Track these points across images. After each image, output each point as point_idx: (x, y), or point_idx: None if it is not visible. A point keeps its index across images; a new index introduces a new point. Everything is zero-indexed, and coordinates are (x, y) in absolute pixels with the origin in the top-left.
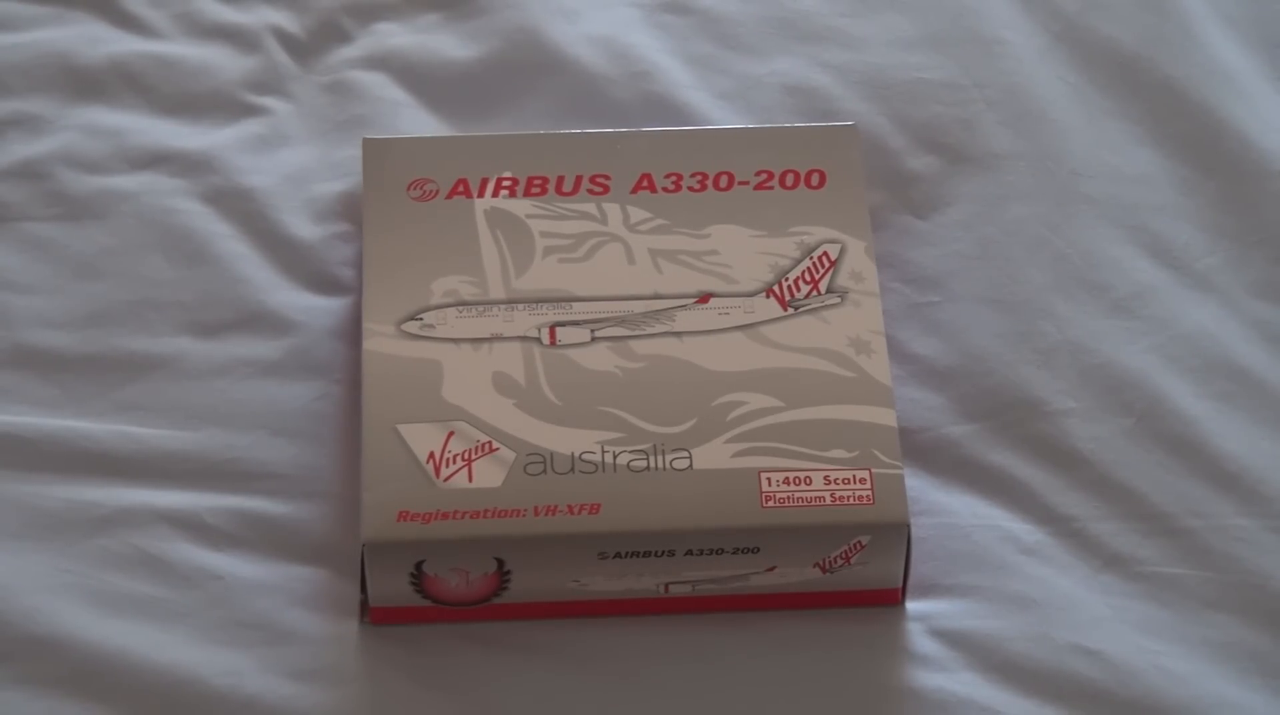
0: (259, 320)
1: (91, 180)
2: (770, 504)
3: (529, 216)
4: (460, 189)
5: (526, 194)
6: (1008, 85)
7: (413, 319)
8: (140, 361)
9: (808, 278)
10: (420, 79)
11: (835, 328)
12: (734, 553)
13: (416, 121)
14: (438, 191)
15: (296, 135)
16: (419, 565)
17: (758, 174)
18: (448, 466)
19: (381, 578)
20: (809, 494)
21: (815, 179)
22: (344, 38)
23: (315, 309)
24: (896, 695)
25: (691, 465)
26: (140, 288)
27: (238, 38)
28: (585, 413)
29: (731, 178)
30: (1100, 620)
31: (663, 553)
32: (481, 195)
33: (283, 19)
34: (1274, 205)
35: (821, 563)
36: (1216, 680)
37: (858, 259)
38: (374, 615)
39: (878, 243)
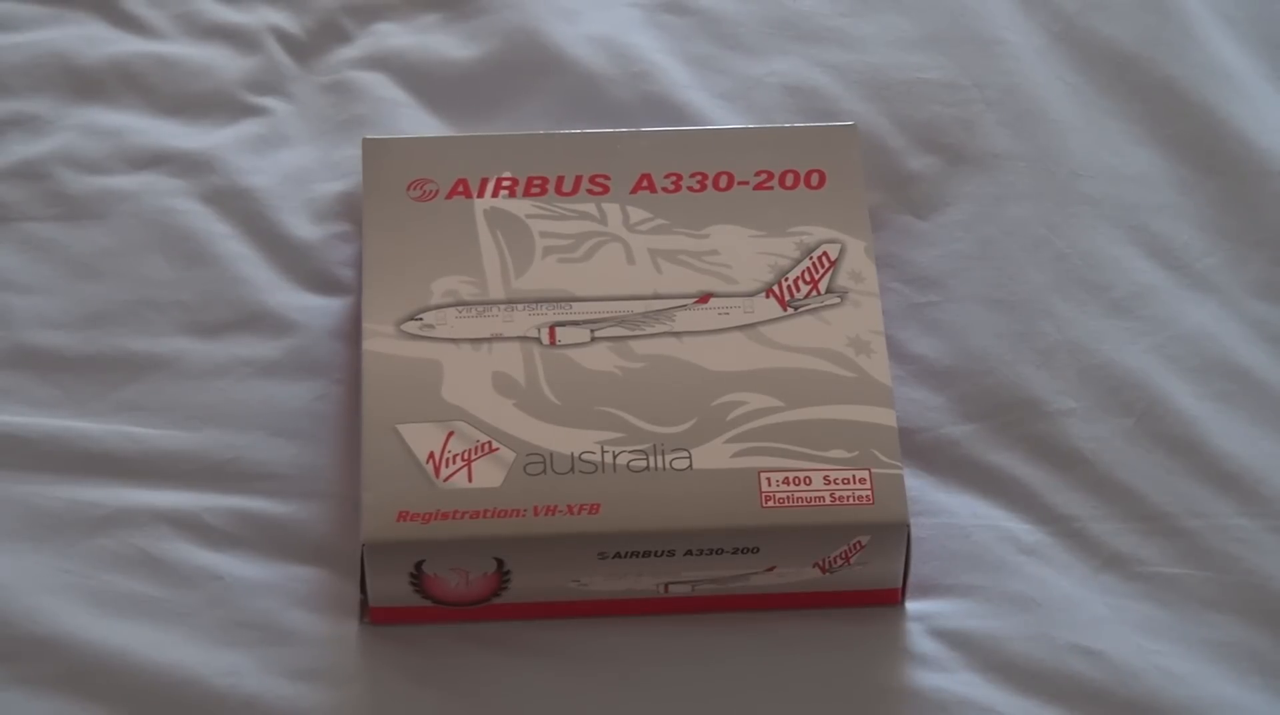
0: (259, 320)
1: (91, 180)
2: (770, 504)
3: (529, 216)
4: (460, 189)
5: (526, 194)
6: (1008, 85)
7: (412, 319)
8: (140, 361)
9: (807, 278)
10: (420, 79)
11: (835, 328)
12: (734, 553)
13: (416, 121)
14: (438, 191)
15: (296, 135)
16: (419, 565)
17: (757, 174)
18: (447, 466)
19: (381, 578)
20: (809, 494)
21: (815, 179)
22: (344, 38)
23: (315, 309)
24: (896, 695)
25: (691, 465)
26: (140, 288)
27: (238, 38)
28: (585, 413)
29: (731, 178)
30: (1100, 620)
31: (663, 553)
32: (481, 195)
33: (283, 19)
34: (1274, 205)
35: (821, 563)
36: (1216, 680)
37: (857, 259)
38: (374, 615)
39: (878, 243)
